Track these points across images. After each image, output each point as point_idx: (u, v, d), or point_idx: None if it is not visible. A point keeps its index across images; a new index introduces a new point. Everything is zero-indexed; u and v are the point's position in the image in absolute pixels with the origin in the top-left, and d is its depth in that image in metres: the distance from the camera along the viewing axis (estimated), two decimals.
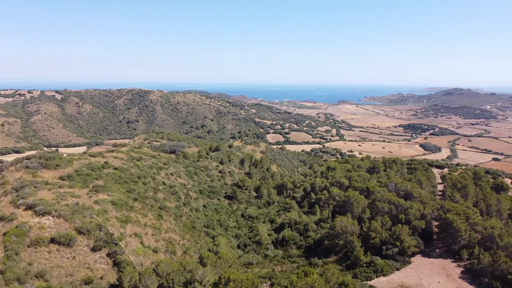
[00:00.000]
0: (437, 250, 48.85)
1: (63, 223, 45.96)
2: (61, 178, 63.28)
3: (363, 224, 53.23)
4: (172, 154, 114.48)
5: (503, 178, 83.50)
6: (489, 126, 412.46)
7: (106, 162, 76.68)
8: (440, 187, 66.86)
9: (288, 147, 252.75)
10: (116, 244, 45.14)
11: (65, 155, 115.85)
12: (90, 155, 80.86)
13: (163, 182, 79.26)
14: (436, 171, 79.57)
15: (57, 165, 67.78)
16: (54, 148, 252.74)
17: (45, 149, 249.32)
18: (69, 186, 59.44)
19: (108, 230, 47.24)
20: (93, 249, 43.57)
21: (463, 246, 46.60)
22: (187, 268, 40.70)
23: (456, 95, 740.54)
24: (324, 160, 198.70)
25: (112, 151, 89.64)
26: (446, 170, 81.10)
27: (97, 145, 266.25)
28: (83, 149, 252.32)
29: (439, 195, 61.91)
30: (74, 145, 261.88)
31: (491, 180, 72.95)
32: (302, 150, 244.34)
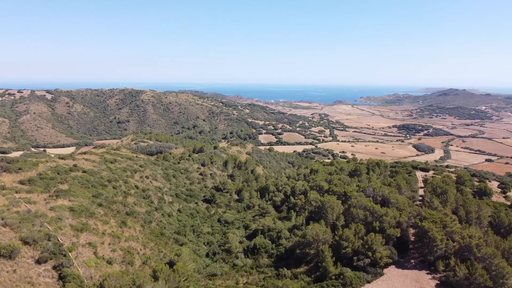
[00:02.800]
0: (412, 261, 45.77)
1: (8, 233, 42.41)
2: (21, 182, 59.59)
3: (336, 232, 50.06)
4: (153, 156, 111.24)
5: (490, 181, 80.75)
6: (484, 126, 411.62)
7: (75, 165, 73.10)
8: (422, 191, 63.80)
9: (280, 147, 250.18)
10: (64, 256, 41.70)
11: (52, 155, 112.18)
12: (59, 157, 77.26)
13: (135, 186, 75.78)
14: (420, 174, 76.55)
15: (19, 168, 64.14)
16: (41, 149, 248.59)
17: (33, 149, 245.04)
18: (27, 191, 55.83)
19: (58, 240, 43.77)
20: (38, 261, 40.07)
21: (439, 257, 43.55)
22: (137, 283, 37.36)
23: (452, 96, 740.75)
24: (315, 161, 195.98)
25: (85, 153, 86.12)
26: (431, 173, 78.12)
27: (86, 145, 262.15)
28: (71, 149, 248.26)
29: (420, 201, 58.89)
30: (63, 146, 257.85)
31: (476, 183, 70.07)
32: (294, 151, 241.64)
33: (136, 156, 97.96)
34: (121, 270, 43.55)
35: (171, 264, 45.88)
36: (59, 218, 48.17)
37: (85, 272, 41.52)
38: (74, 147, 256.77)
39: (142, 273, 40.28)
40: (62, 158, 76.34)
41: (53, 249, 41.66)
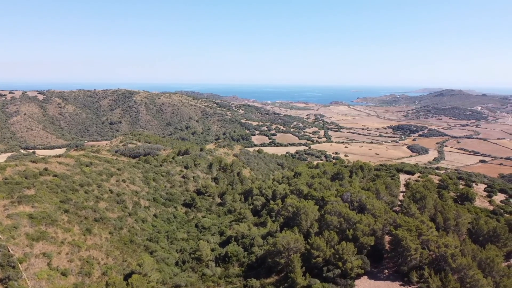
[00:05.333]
0: (386, 271, 43.36)
1: None
2: None
3: (309, 240, 47.61)
4: (135, 158, 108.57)
5: (477, 184, 78.50)
6: (479, 127, 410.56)
7: (45, 169, 70.40)
8: (402, 196, 61.38)
9: (273, 149, 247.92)
10: (13, 267, 39.09)
11: (40, 157, 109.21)
12: (31, 161, 74.50)
13: (110, 190, 73.12)
14: (404, 177, 74.14)
15: None
16: (31, 150, 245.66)
17: (22, 151, 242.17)
18: None
19: (8, 250, 41.14)
20: None
21: (413, 267, 41.15)
22: None
23: (448, 96, 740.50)
24: (308, 162, 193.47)
25: (59, 156, 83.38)
26: (415, 176, 75.75)
27: (77, 147, 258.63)
28: (61, 151, 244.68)
29: (399, 206, 56.50)
30: (53, 147, 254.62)
31: (461, 187, 67.79)
32: (287, 152, 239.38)
33: (115, 159, 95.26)
34: (75, 283, 41.05)
35: (131, 275, 43.45)
36: (14, 227, 45.51)
37: (35, 285, 38.93)
38: (65, 149, 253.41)
39: (94, 286, 37.75)
40: (33, 161, 73.60)
41: (0, 261, 39.03)
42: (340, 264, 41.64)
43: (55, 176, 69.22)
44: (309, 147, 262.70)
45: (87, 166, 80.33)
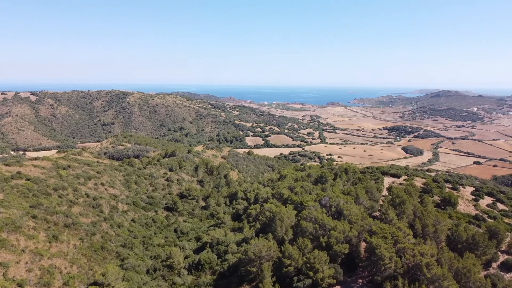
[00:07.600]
0: (360, 281, 41.39)
1: None
2: None
3: (282, 248, 45.61)
4: (117, 161, 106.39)
5: (464, 187, 76.77)
6: (475, 128, 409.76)
7: (18, 172, 68.15)
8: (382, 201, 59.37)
9: (267, 150, 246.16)
10: None
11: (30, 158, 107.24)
12: (4, 164, 72.25)
13: (86, 194, 70.90)
14: (389, 180, 72.22)
15: None
16: (21, 152, 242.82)
17: (12, 152, 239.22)
18: None
19: None
20: None
21: (387, 277, 39.12)
22: None
23: (444, 97, 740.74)
24: (301, 164, 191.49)
25: (35, 159, 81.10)
26: (401, 179, 73.87)
27: (68, 148, 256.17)
28: (52, 152, 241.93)
29: (379, 211, 54.49)
30: (44, 149, 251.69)
31: (447, 190, 65.96)
32: (281, 154, 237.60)
33: (97, 161, 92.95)
34: None
35: (95, 285, 41.37)
36: None
37: None
38: (56, 150, 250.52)
39: None
40: (6, 165, 71.34)
41: None
42: (311, 273, 39.62)
43: (28, 179, 66.98)
44: (303, 149, 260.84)
45: (64, 169, 78.06)
